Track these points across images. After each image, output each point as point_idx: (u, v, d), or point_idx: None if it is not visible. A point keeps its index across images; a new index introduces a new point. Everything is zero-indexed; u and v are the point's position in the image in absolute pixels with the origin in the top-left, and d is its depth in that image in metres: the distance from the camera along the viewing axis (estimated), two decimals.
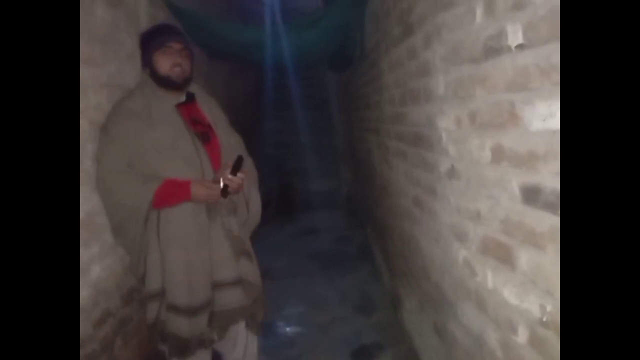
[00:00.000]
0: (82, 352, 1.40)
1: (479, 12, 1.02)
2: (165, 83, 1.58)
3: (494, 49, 0.96)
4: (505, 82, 0.93)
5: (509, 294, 0.99)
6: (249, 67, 5.09)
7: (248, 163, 1.72)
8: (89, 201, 1.50)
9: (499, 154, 0.98)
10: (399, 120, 1.97)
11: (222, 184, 1.46)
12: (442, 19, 1.26)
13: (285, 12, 4.17)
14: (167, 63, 1.57)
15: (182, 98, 1.64)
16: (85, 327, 1.43)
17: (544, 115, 0.78)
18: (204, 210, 1.55)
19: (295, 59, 3.63)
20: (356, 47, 3.31)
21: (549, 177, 0.78)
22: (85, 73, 1.53)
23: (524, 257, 0.91)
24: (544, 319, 0.84)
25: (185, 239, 1.52)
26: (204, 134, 1.62)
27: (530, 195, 0.85)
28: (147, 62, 1.61)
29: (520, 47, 0.86)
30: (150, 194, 1.46)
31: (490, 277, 1.08)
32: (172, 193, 1.49)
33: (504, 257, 1.00)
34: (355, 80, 3.67)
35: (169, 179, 1.49)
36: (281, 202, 5.44)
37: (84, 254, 1.45)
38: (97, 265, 1.54)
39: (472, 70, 1.08)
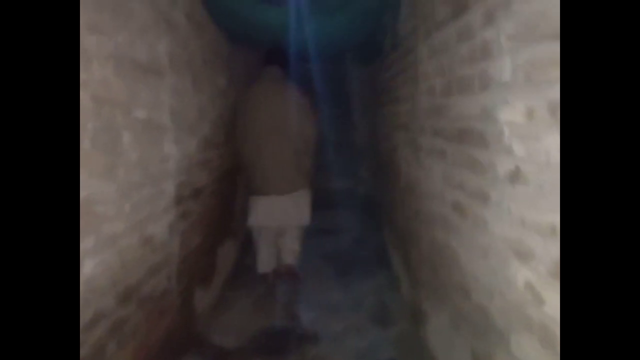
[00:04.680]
0: None
1: None
2: None
3: None
4: None
5: None
6: None
7: None
8: (86, 187, 1.32)
9: None
10: (439, 113, 1.75)
11: None
12: None
13: None
14: None
15: None
16: None
17: None
18: None
19: (320, 47, 3.43)
20: (387, 35, 3.09)
21: None
22: (90, 41, 1.34)
23: None
24: None
25: None
26: None
27: None
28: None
29: None
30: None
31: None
32: None
33: None
34: (383, 73, 3.44)
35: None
36: None
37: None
38: (91, 260, 1.35)
39: (554, 48, 0.86)
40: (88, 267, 1.33)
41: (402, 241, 2.70)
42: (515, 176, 1.04)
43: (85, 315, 1.31)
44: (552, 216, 0.88)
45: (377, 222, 4.15)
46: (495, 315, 1.20)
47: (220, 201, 2.99)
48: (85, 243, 1.32)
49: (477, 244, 1.32)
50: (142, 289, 1.71)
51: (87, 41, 1.33)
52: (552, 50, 0.87)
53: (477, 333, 1.36)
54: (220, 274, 3.05)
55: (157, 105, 1.87)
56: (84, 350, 1.30)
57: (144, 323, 1.71)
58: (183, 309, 2.21)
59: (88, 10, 1.33)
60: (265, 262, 3.06)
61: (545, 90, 0.91)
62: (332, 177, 5.46)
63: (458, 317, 1.56)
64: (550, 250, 0.90)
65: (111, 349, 1.47)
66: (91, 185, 1.35)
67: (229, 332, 2.47)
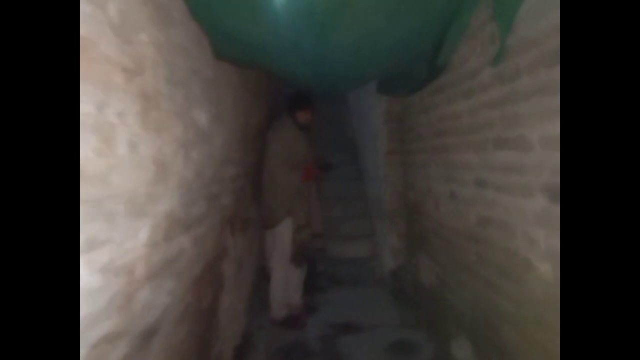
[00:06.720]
0: None
1: None
2: (299, 126, 3.24)
3: None
4: None
5: None
6: (267, 86, 3.83)
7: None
8: None
9: None
10: None
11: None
12: None
13: None
14: (303, 117, 3.24)
15: None
16: None
17: None
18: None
19: (358, 66, 2.36)
20: (445, 49, 2.05)
21: None
22: None
23: None
24: None
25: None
26: None
27: None
28: (293, 113, 3.24)
29: None
30: (299, 176, 3.13)
31: None
32: (310, 173, 3.20)
33: None
34: (439, 107, 2.36)
35: (306, 166, 3.19)
36: None
37: None
38: None
39: None
40: None
41: None
42: None
43: None
44: None
45: (423, 315, 2.92)
46: None
47: (195, 325, 1.74)
48: None
49: None
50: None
51: None
52: None
53: None
54: None
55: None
56: None
57: None
58: None
59: None
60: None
61: None
62: (342, 242, 4.25)
63: None
64: None
65: None
66: None
67: None
